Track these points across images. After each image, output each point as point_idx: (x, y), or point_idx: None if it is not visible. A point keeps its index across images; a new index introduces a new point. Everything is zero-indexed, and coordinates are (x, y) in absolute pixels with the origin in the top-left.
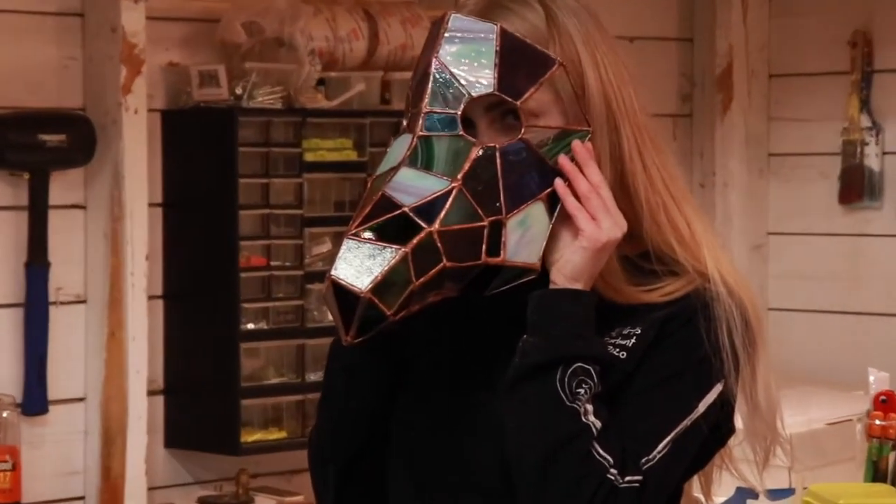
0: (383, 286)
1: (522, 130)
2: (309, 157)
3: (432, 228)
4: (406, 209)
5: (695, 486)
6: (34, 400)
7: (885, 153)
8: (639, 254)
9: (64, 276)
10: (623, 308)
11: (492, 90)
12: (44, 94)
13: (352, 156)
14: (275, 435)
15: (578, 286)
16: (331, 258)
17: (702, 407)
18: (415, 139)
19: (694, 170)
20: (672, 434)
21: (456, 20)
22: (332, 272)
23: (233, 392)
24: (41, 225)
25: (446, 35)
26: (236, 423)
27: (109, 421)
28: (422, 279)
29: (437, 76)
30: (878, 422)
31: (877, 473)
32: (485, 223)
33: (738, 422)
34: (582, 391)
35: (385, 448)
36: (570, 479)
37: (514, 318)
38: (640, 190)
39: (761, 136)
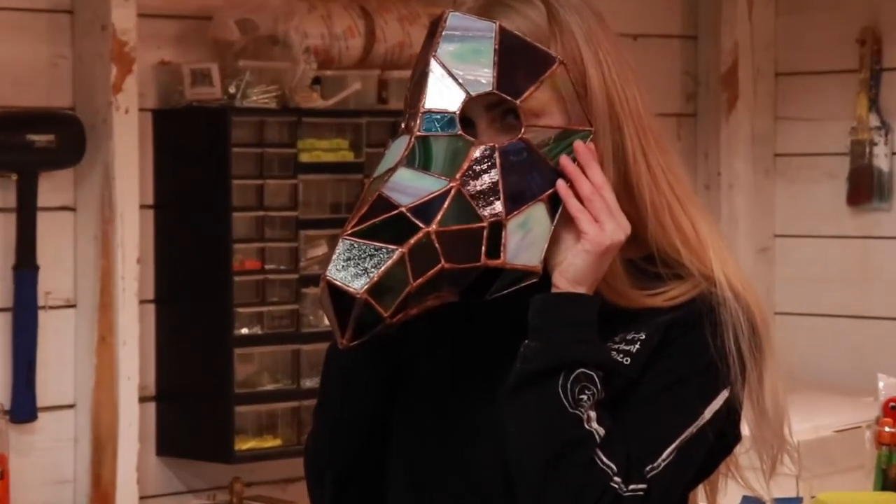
0: (380, 287)
1: (523, 130)
2: (304, 157)
3: (430, 229)
4: (403, 209)
5: (700, 495)
6: (22, 407)
7: (894, 153)
8: (643, 257)
9: (53, 279)
10: (627, 312)
11: (491, 89)
12: (32, 93)
13: (348, 156)
14: (269, 442)
15: (581, 290)
16: (326, 261)
17: (707, 414)
18: (412, 139)
19: (698, 170)
20: (677, 441)
21: (454, 18)
22: (328, 273)
23: (226, 398)
24: (30, 227)
25: (445, 33)
26: (230, 431)
27: (100, 428)
28: (419, 280)
29: (436, 75)
30: (887, 429)
31: (886, 482)
32: (484, 224)
33: (745, 429)
34: (585, 397)
35: (383, 454)
36: (573, 487)
37: (515, 322)
38: (644, 191)
39: (767, 135)
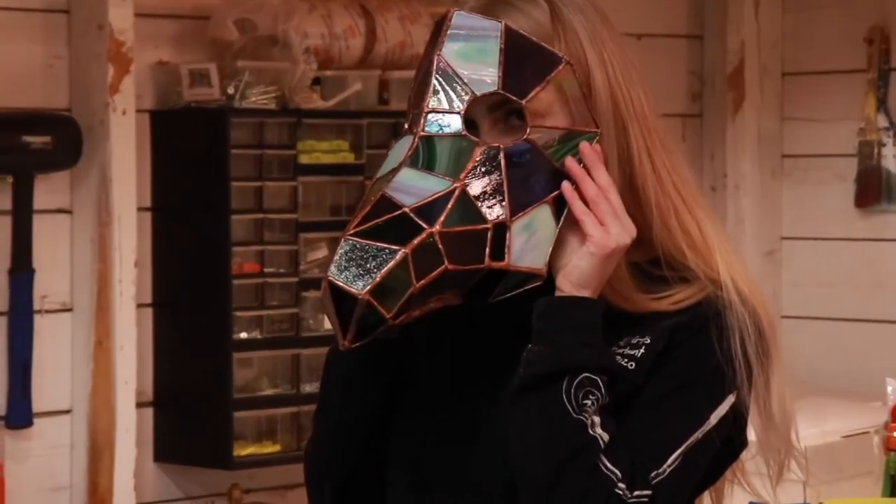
0: (382, 288)
1: (528, 131)
2: (304, 159)
3: (433, 229)
4: (406, 209)
5: (706, 502)
6: (18, 412)
7: None
8: (648, 260)
9: (49, 283)
10: (632, 316)
11: (496, 89)
12: (28, 94)
13: (348, 158)
14: (269, 448)
15: (586, 293)
16: (327, 264)
17: (714, 419)
18: (416, 139)
19: (704, 172)
20: (683, 447)
21: (459, 17)
22: (329, 274)
23: (225, 404)
24: (25, 230)
25: (449, 32)
26: (228, 437)
27: (96, 434)
28: (422, 282)
29: (440, 74)
30: None
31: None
32: (488, 225)
33: (751, 434)
34: (589, 402)
35: (383, 459)
36: (577, 493)
37: (519, 325)
38: (649, 193)
39: (774, 136)
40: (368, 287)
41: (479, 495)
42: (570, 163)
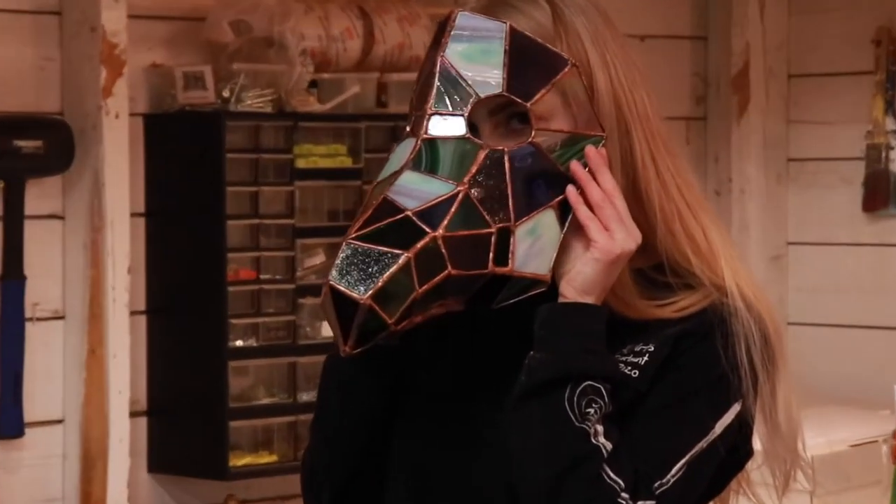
0: (384, 293)
1: (532, 134)
2: (301, 163)
3: (436, 234)
4: (409, 213)
5: None
6: (9, 422)
7: None
8: (652, 266)
9: (41, 290)
10: (635, 323)
11: (500, 91)
12: (19, 97)
13: (346, 162)
14: (265, 458)
15: (589, 300)
16: (324, 271)
17: (718, 428)
18: (419, 142)
19: (709, 176)
20: (687, 457)
21: (463, 18)
22: (330, 278)
23: (220, 413)
24: (17, 236)
25: (453, 33)
26: (224, 446)
27: (89, 444)
28: (425, 287)
29: (443, 76)
30: None
31: None
32: (492, 230)
33: (757, 444)
34: (592, 411)
35: (383, 465)
36: (579, 503)
37: (522, 332)
38: (653, 198)
39: (780, 139)
40: (370, 292)
41: (481, 501)
42: (576, 167)
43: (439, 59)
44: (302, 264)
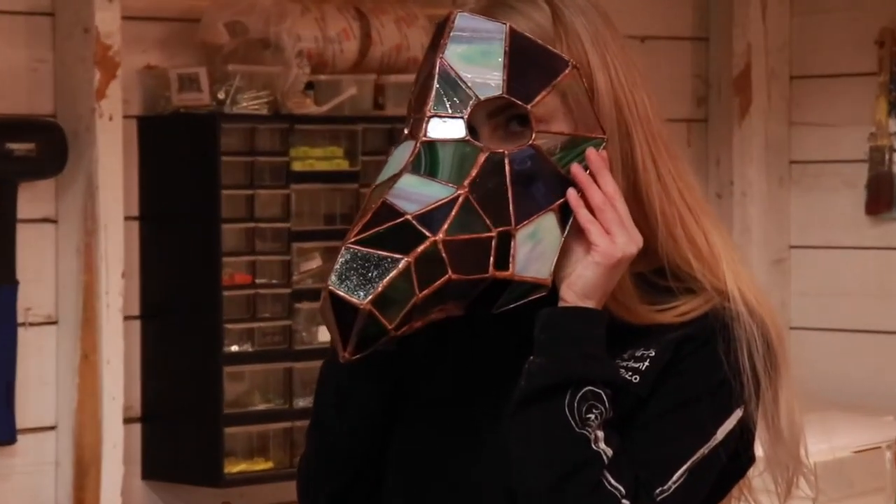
0: (384, 298)
1: (533, 136)
2: (297, 166)
3: (437, 238)
4: (409, 217)
5: None
6: (2, 428)
7: None
8: (653, 270)
9: (33, 295)
10: (636, 329)
11: (500, 93)
12: (11, 99)
13: (343, 165)
14: (260, 465)
15: (590, 304)
16: (320, 275)
17: (720, 434)
18: (418, 144)
19: (710, 178)
20: (688, 463)
21: (463, 19)
22: (329, 283)
23: (215, 419)
24: (9, 240)
25: (453, 34)
26: (219, 453)
27: (82, 451)
28: (425, 291)
29: (442, 78)
30: None
31: None
32: (493, 234)
33: (759, 450)
34: (592, 416)
35: (381, 470)
36: None
37: (522, 337)
38: (654, 201)
39: (782, 142)
40: (370, 297)
41: None
42: (576, 169)
43: (438, 61)
44: (298, 268)
